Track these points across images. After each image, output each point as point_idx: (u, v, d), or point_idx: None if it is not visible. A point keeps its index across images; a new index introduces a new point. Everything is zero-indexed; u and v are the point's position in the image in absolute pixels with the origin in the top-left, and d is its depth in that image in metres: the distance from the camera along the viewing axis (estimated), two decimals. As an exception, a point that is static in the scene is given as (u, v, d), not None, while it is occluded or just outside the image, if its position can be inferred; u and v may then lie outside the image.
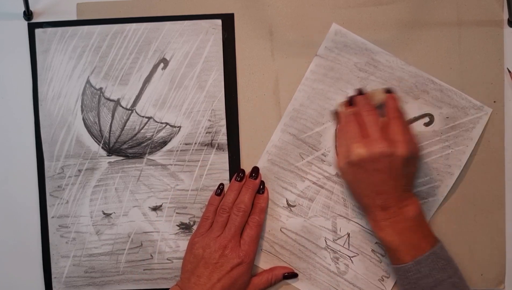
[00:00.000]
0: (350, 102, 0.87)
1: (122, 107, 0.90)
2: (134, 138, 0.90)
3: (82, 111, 0.91)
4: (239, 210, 0.86)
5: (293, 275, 0.90)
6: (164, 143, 0.91)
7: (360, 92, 0.87)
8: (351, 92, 0.89)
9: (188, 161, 0.91)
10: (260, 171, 0.90)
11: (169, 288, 0.89)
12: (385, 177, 0.81)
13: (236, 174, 0.89)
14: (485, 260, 0.89)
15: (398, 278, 0.84)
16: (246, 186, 0.89)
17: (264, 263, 0.91)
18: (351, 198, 0.89)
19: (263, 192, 0.90)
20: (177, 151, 0.91)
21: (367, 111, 0.84)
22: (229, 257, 0.84)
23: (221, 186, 0.90)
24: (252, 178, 0.89)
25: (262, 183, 0.90)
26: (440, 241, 0.83)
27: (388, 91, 0.87)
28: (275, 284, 0.90)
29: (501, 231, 0.89)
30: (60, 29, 0.91)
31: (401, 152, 0.80)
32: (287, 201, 0.90)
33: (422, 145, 0.88)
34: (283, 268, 0.90)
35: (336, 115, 0.89)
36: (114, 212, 0.91)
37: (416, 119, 0.89)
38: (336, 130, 0.89)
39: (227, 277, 0.84)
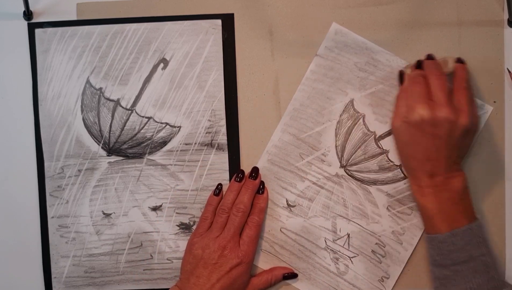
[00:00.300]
0: (418, 65, 0.86)
1: (122, 107, 0.90)
2: (134, 138, 0.90)
3: (82, 111, 0.91)
4: (238, 211, 0.86)
5: (293, 276, 0.90)
6: (164, 143, 0.90)
7: (430, 57, 0.87)
8: (351, 93, 0.89)
9: (188, 161, 0.91)
10: (260, 171, 0.90)
11: (169, 289, 0.89)
12: (441, 143, 0.81)
13: (235, 175, 0.89)
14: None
15: (429, 248, 0.84)
16: (245, 186, 0.89)
17: (264, 263, 0.91)
18: (398, 158, 0.88)
19: (262, 192, 0.89)
20: (177, 151, 0.91)
21: (436, 76, 0.83)
22: (228, 257, 0.84)
23: (219, 186, 0.90)
24: (251, 179, 0.89)
25: (262, 183, 0.90)
26: (480, 219, 0.83)
27: (459, 60, 0.86)
28: (275, 284, 0.90)
29: (501, 231, 0.89)
30: (60, 29, 0.91)
31: (464, 121, 0.80)
32: (287, 201, 0.90)
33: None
34: (283, 269, 0.90)
35: (401, 75, 0.88)
36: (114, 212, 0.91)
37: (416, 119, 0.89)
38: (399, 89, 0.87)
39: (226, 277, 0.83)
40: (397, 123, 0.84)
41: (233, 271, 0.84)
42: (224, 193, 0.89)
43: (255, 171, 0.90)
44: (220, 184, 0.90)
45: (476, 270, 0.80)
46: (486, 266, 0.80)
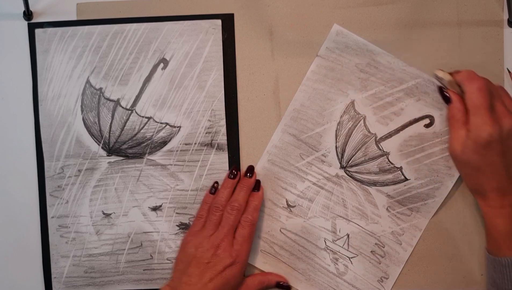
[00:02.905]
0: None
1: (122, 107, 0.90)
2: (134, 138, 0.90)
3: (82, 111, 0.91)
4: (232, 209, 0.86)
5: (286, 287, 0.89)
6: (164, 143, 0.91)
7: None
8: (352, 94, 0.89)
9: (188, 161, 0.91)
10: (260, 171, 0.90)
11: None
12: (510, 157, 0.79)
13: (229, 171, 0.89)
14: (485, 260, 0.89)
15: (491, 269, 0.83)
16: (240, 184, 0.88)
17: (263, 263, 0.91)
18: (465, 180, 0.86)
19: (258, 190, 0.89)
20: (177, 151, 0.91)
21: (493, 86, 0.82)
22: (221, 256, 0.83)
23: (215, 185, 0.89)
24: (247, 177, 0.89)
25: (258, 181, 0.90)
26: None
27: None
28: (267, 288, 0.89)
29: (501, 232, 0.89)
30: (60, 29, 0.91)
31: None
32: (286, 201, 0.90)
33: (422, 146, 0.88)
34: (278, 277, 0.90)
35: (442, 92, 0.86)
36: (114, 212, 0.91)
37: (417, 120, 0.89)
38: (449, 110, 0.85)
39: (219, 277, 0.82)
40: (458, 148, 0.81)
41: (227, 271, 0.83)
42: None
43: (250, 169, 0.89)
44: (216, 183, 0.90)
45: None
46: None
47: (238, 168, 0.90)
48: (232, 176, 0.88)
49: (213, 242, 0.84)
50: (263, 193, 0.90)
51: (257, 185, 0.89)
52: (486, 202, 0.83)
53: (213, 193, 0.89)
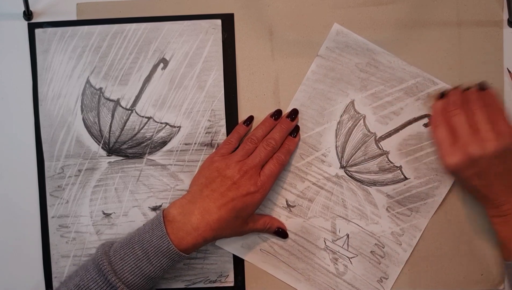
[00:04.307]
0: (442, 96, 0.87)
1: (122, 107, 0.90)
2: (134, 138, 0.90)
3: (82, 111, 0.91)
4: (268, 145, 0.86)
5: (284, 234, 0.90)
6: (164, 143, 0.91)
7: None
8: (352, 94, 0.89)
9: (188, 161, 0.91)
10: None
11: (169, 288, 0.89)
12: (498, 172, 0.81)
13: (272, 112, 0.89)
14: (485, 260, 0.89)
15: (508, 274, 0.86)
16: (280, 124, 0.89)
17: (263, 263, 0.91)
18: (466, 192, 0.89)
19: (295, 136, 0.89)
20: (177, 151, 0.91)
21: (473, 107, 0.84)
22: (247, 182, 0.83)
23: (250, 118, 0.90)
24: (289, 119, 0.89)
25: (297, 127, 0.90)
26: None
27: (482, 87, 0.86)
28: (267, 233, 0.90)
29: (501, 232, 0.89)
30: (60, 29, 0.91)
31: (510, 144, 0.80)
32: (286, 201, 0.90)
33: (421, 145, 0.88)
34: (279, 223, 0.90)
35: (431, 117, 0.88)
36: (114, 212, 0.91)
37: (416, 119, 0.89)
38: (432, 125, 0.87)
39: (240, 200, 0.82)
40: (451, 161, 0.82)
41: (248, 196, 0.83)
42: (253, 127, 0.90)
43: (294, 112, 0.90)
44: (252, 116, 0.90)
45: None
46: None
47: (282, 111, 0.90)
48: (274, 117, 0.89)
49: (241, 167, 0.84)
50: (299, 140, 0.90)
51: (296, 130, 0.90)
52: (487, 210, 0.85)
53: (247, 125, 0.89)
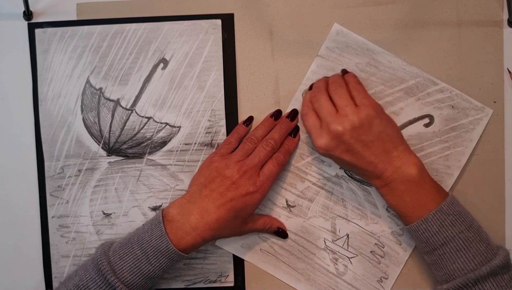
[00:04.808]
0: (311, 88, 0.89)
1: (122, 107, 0.90)
2: (134, 138, 0.90)
3: (82, 111, 0.91)
4: (267, 145, 0.86)
5: (284, 235, 0.90)
6: (164, 143, 0.91)
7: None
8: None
9: (188, 161, 0.91)
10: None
11: (169, 288, 0.89)
12: (366, 144, 0.82)
13: (272, 112, 0.89)
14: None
15: (411, 237, 0.86)
16: (280, 124, 0.89)
17: (263, 263, 0.91)
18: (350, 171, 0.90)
19: (294, 136, 0.89)
20: (177, 151, 0.91)
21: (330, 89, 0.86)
22: (246, 182, 0.83)
23: (250, 118, 0.90)
24: (289, 119, 0.89)
25: (297, 127, 0.90)
26: (451, 195, 0.83)
27: (344, 71, 0.89)
28: (266, 233, 0.90)
29: (501, 231, 0.89)
30: (60, 29, 0.91)
31: (371, 113, 0.82)
32: (286, 201, 0.90)
33: (421, 146, 0.88)
34: (279, 223, 0.90)
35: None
36: (114, 212, 0.91)
37: (416, 120, 0.89)
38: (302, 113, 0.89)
39: (240, 200, 0.82)
40: (320, 143, 0.84)
41: (248, 196, 0.83)
42: (253, 127, 0.90)
43: (294, 113, 0.90)
44: (251, 116, 0.90)
45: (458, 249, 0.80)
46: (468, 241, 0.80)
47: (281, 111, 0.90)
48: (274, 117, 0.89)
49: (241, 167, 0.84)
50: (299, 140, 0.90)
51: (295, 131, 0.90)
52: (375, 186, 0.85)
53: (247, 125, 0.89)
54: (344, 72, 0.89)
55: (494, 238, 0.88)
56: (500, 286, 0.78)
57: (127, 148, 0.91)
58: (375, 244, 0.89)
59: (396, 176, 0.82)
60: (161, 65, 0.90)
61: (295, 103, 0.90)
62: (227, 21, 0.90)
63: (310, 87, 0.88)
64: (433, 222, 0.80)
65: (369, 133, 0.81)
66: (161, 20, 0.90)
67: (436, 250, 0.81)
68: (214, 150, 0.90)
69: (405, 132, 0.88)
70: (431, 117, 0.89)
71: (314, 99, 0.86)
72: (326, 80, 0.87)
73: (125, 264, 0.79)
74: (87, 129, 0.91)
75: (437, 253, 0.81)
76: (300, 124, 0.90)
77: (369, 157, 0.82)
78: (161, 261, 0.79)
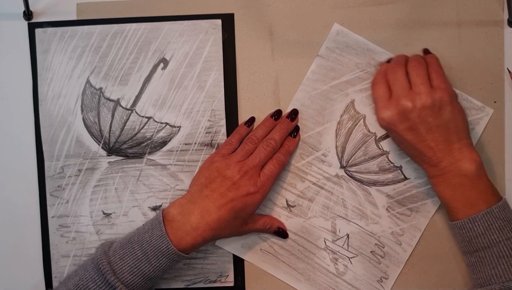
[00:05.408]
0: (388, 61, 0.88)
1: (122, 107, 0.90)
2: (134, 138, 0.90)
3: (82, 111, 0.91)
4: (268, 145, 0.86)
5: (284, 234, 0.90)
6: (164, 143, 0.91)
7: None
8: (352, 94, 0.89)
9: (188, 161, 0.91)
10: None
11: (168, 288, 0.89)
12: (432, 128, 0.81)
13: (272, 112, 0.89)
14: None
15: (454, 235, 0.86)
16: (280, 124, 0.88)
17: (263, 263, 0.91)
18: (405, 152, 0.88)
19: (295, 136, 0.89)
20: (177, 151, 0.91)
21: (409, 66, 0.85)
22: (247, 183, 0.83)
23: (252, 119, 0.90)
24: (289, 119, 0.89)
25: (297, 127, 0.90)
26: (504, 199, 0.82)
27: (427, 51, 0.88)
28: (266, 233, 0.90)
29: (501, 232, 0.89)
30: (60, 29, 0.91)
31: (446, 97, 0.81)
32: (286, 201, 0.90)
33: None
34: (280, 223, 0.90)
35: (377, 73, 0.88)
36: (114, 212, 0.91)
37: (416, 120, 0.89)
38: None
39: (240, 200, 0.82)
40: (384, 115, 0.83)
41: (248, 197, 0.83)
42: (254, 126, 0.90)
43: (294, 113, 0.90)
44: (253, 117, 0.90)
45: (501, 255, 0.79)
46: None
47: (281, 111, 0.90)
48: (274, 117, 0.89)
49: (241, 168, 0.84)
50: (299, 140, 0.90)
51: (295, 131, 0.89)
52: (425, 172, 0.85)
53: (248, 126, 0.89)
54: (426, 52, 0.88)
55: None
56: None
57: (127, 148, 0.91)
58: (375, 244, 0.89)
59: (452, 168, 0.81)
60: (161, 65, 0.90)
61: (295, 103, 0.90)
62: (227, 21, 0.90)
63: (388, 61, 0.88)
64: (481, 223, 0.80)
65: (438, 117, 0.81)
66: (161, 20, 0.90)
67: (477, 252, 0.80)
68: (214, 150, 0.90)
69: (405, 132, 0.88)
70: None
71: (390, 70, 0.85)
72: (406, 57, 0.86)
73: (125, 264, 0.79)
74: (87, 129, 0.91)
75: (478, 255, 0.81)
76: (299, 124, 0.90)
77: (430, 141, 0.81)
78: (161, 261, 0.79)
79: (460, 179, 0.81)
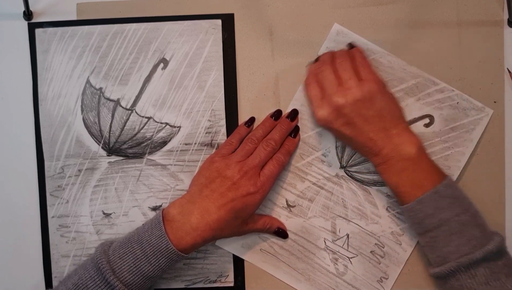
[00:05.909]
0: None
1: (122, 107, 0.91)
2: (134, 138, 0.90)
3: (82, 111, 0.91)
4: (268, 145, 0.86)
5: (284, 234, 0.90)
6: (164, 143, 0.91)
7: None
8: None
9: (188, 161, 0.91)
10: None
11: (168, 288, 0.89)
12: (366, 119, 0.82)
13: (272, 112, 0.89)
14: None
15: (405, 219, 0.86)
16: (280, 124, 0.89)
17: (263, 263, 0.91)
18: (349, 148, 0.89)
19: (295, 136, 0.89)
20: (177, 151, 0.91)
21: (337, 61, 0.86)
22: (247, 183, 0.83)
23: (252, 119, 0.90)
24: (289, 119, 0.89)
25: (297, 127, 0.90)
26: (449, 177, 0.83)
27: (351, 45, 0.89)
28: (266, 233, 0.90)
29: (501, 231, 0.89)
30: (60, 29, 0.91)
31: (374, 87, 0.82)
32: (286, 201, 0.90)
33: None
34: (280, 223, 0.90)
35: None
36: (114, 212, 0.91)
37: (416, 120, 0.89)
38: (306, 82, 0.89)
39: (240, 200, 0.82)
40: (320, 114, 0.84)
41: (248, 197, 0.83)
42: (254, 126, 0.90)
43: (294, 113, 0.90)
44: (253, 117, 0.90)
45: (452, 233, 0.79)
46: (463, 225, 0.79)
47: (281, 111, 0.90)
48: (274, 117, 0.89)
49: (242, 168, 0.84)
50: (299, 141, 0.90)
51: (295, 131, 0.90)
52: (373, 163, 0.85)
53: (248, 126, 0.89)
54: (351, 46, 0.89)
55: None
56: (493, 272, 0.78)
57: (127, 148, 0.91)
58: (375, 244, 0.89)
59: (394, 154, 0.82)
60: (161, 65, 0.90)
61: (295, 103, 0.90)
62: (227, 21, 0.90)
63: (316, 60, 0.88)
64: (429, 204, 0.80)
65: (371, 108, 0.82)
66: (161, 20, 0.91)
67: (429, 231, 0.81)
68: (214, 150, 0.90)
69: (405, 132, 0.88)
70: (431, 117, 0.89)
71: (318, 70, 0.85)
72: (332, 54, 0.87)
73: (124, 263, 0.79)
74: (87, 129, 0.91)
75: (431, 235, 0.81)
76: (299, 124, 0.90)
77: (368, 132, 0.82)
78: (160, 261, 0.79)
79: (403, 163, 0.82)
